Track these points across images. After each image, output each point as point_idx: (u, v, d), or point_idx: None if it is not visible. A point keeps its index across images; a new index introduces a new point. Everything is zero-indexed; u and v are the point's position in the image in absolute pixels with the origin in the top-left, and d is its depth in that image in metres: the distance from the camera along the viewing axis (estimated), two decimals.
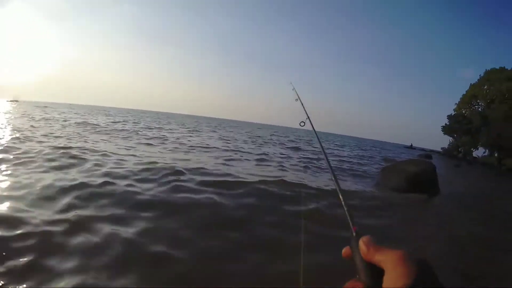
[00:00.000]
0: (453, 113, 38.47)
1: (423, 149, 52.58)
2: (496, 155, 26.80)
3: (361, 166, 12.35)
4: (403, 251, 0.39)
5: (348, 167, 10.96)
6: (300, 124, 1.06)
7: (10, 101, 46.57)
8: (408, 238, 4.20)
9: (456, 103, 39.11)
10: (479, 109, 35.01)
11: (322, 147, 0.84)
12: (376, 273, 0.40)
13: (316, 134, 0.99)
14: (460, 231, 4.87)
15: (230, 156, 9.56)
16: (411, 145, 61.13)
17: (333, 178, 0.62)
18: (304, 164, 9.65)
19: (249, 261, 2.80)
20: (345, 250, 0.46)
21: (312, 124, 1.06)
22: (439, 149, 42.81)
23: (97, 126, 15.46)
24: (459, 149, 36.01)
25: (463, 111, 37.52)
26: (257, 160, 9.49)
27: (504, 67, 34.35)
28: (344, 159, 14.23)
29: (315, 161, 10.71)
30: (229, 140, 16.54)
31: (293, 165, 9.43)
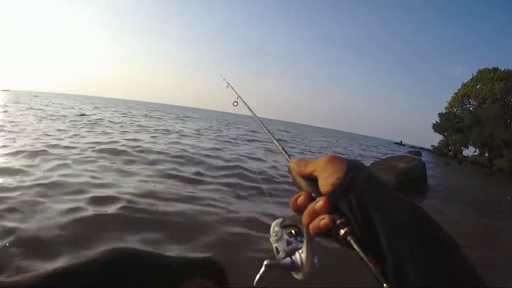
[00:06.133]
0: (444, 111, 38.19)
1: (413, 146, 52.53)
2: (486, 154, 26.61)
3: None
4: (330, 154, 0.39)
5: None
6: (233, 104, 1.05)
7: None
8: None
9: (447, 101, 38.85)
10: (471, 108, 34.75)
11: (252, 111, 0.92)
12: (313, 183, 0.40)
13: (250, 109, 0.98)
14: None
15: None
16: (401, 141, 61.13)
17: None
18: None
19: None
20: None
21: (245, 102, 1.04)
22: (429, 147, 42.72)
23: None
24: (449, 147, 35.85)
25: (455, 110, 37.23)
26: None
27: (497, 67, 34.11)
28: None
29: None
30: None
31: None
